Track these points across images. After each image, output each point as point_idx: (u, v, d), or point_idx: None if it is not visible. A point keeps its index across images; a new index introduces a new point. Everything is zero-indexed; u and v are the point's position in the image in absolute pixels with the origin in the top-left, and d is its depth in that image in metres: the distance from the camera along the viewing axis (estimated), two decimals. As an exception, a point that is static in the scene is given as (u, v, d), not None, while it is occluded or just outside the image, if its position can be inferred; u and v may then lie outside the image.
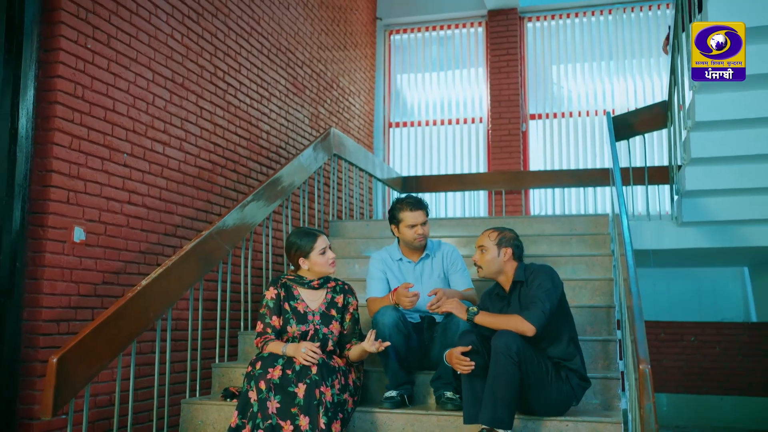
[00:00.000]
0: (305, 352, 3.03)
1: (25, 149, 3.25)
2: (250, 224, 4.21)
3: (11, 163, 3.18)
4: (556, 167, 7.96)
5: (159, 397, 3.53)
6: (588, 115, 8.05)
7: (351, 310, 3.45)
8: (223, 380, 3.83)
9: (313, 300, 3.40)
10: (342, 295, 3.45)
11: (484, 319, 3.12)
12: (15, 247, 3.19)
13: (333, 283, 3.48)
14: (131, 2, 3.95)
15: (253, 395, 3.03)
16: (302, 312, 3.35)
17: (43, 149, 3.35)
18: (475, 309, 3.14)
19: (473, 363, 2.98)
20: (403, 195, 3.79)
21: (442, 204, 7.71)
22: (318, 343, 3.20)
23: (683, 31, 4.77)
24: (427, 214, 3.75)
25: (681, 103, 5.05)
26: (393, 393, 3.38)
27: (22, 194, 3.22)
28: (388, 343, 3.22)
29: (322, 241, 3.38)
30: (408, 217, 3.69)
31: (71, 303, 3.44)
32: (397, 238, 3.84)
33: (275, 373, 3.03)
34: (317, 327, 3.33)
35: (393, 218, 3.77)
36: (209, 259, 3.77)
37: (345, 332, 3.41)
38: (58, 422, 3.25)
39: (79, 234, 3.48)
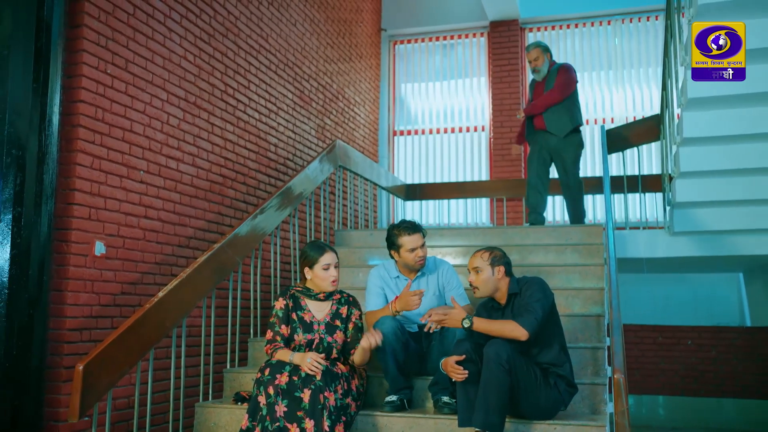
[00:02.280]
0: (310, 362, 3.25)
1: (51, 170, 3.48)
2: (259, 235, 4.43)
3: (39, 184, 3.42)
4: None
5: (174, 401, 3.75)
6: (587, 123, 8.21)
7: (354, 320, 3.66)
8: (234, 385, 4.05)
9: (319, 311, 3.63)
10: (346, 306, 3.67)
11: (481, 324, 3.28)
12: (42, 261, 3.43)
13: (338, 296, 3.70)
14: (147, 28, 4.18)
15: (262, 399, 3.25)
16: (308, 322, 3.58)
17: (66, 169, 3.59)
18: (471, 317, 3.35)
19: (467, 372, 3.18)
20: (398, 221, 3.96)
21: (444, 211, 7.90)
22: (323, 354, 3.44)
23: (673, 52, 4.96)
24: (424, 236, 3.87)
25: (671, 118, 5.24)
26: (393, 397, 3.58)
27: (48, 212, 3.46)
28: (380, 334, 3.43)
29: (327, 257, 3.60)
30: (407, 241, 3.80)
31: (93, 313, 3.67)
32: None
33: (282, 379, 3.25)
34: (322, 336, 3.56)
35: (392, 245, 3.87)
36: (222, 269, 4.00)
37: (348, 340, 3.62)
38: (82, 424, 3.48)
39: (99, 248, 3.72)
